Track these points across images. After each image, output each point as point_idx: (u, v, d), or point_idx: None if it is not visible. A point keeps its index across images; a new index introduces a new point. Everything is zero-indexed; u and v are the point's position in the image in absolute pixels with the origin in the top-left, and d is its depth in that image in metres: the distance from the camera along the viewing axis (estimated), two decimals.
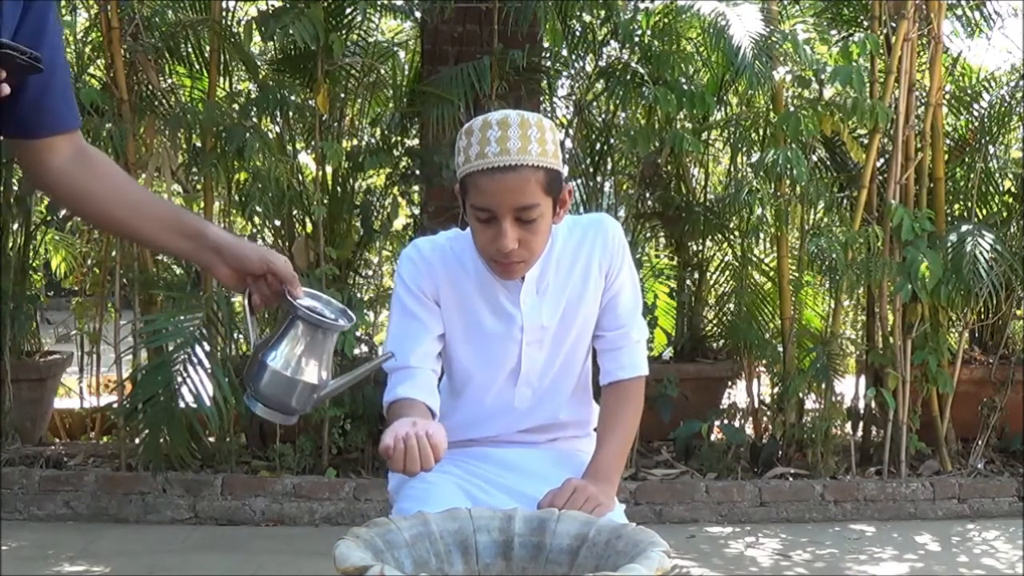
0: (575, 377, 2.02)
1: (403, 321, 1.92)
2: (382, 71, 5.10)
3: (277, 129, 5.04)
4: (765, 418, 5.09)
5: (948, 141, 5.20)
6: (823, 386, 4.67)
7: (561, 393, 2.01)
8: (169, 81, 5.16)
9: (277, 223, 5.06)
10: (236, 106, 4.76)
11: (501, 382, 1.97)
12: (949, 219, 5.02)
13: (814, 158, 5.06)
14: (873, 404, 4.84)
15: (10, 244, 5.12)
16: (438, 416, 1.89)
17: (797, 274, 5.04)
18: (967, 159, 5.21)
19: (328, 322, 1.62)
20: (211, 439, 4.59)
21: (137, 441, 4.44)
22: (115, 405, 4.70)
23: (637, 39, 4.85)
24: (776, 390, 4.94)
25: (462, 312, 1.92)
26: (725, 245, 5.67)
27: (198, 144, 4.68)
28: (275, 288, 1.64)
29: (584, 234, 1.94)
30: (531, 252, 1.81)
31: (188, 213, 1.75)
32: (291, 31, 4.26)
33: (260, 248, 1.65)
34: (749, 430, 5.03)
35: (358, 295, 4.76)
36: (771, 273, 5.42)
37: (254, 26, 4.57)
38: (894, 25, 4.67)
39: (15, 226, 5.19)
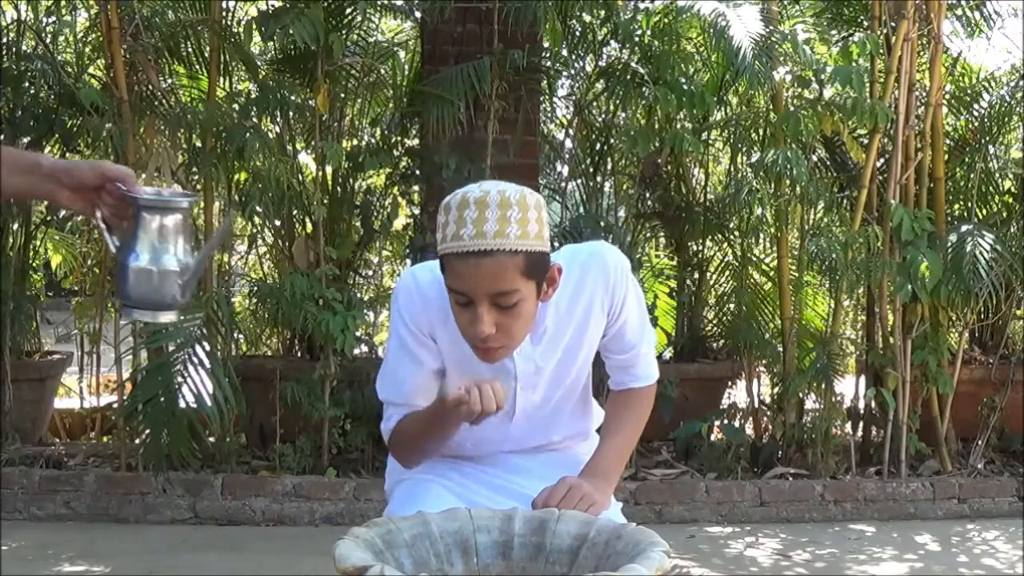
0: (574, 401, 1.98)
1: (400, 357, 1.85)
2: (382, 71, 5.10)
3: (277, 129, 5.04)
4: (765, 418, 5.09)
5: (948, 141, 5.20)
6: (823, 386, 4.67)
7: (560, 418, 1.97)
8: (169, 81, 5.16)
9: (277, 223, 5.06)
10: (236, 106, 4.76)
11: (495, 418, 1.87)
12: (949, 219, 5.02)
13: (814, 158, 5.06)
14: (873, 404, 4.83)
15: (10, 244, 5.12)
16: None
17: (797, 274, 5.03)
18: (967, 159, 5.20)
19: (169, 201, 1.59)
20: (211, 439, 4.59)
21: (137, 441, 4.44)
22: (115, 405, 4.70)
23: (637, 39, 4.85)
24: (776, 390, 4.94)
25: (456, 348, 1.82)
26: (725, 245, 5.67)
27: (198, 144, 4.68)
28: (116, 194, 1.59)
29: (584, 273, 1.83)
30: (511, 337, 1.71)
31: (20, 151, 1.73)
32: (291, 31, 4.26)
33: (92, 161, 1.63)
34: (749, 430, 5.02)
35: (358, 295, 4.76)
36: (771, 273, 5.42)
37: (254, 26, 4.56)
38: (894, 25, 4.67)
39: (15, 226, 5.19)
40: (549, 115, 5.66)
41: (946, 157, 5.04)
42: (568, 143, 5.60)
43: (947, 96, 5.17)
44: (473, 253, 1.62)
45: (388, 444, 1.90)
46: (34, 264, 5.55)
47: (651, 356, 1.99)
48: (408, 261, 5.30)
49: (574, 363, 1.89)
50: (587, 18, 5.12)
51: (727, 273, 5.71)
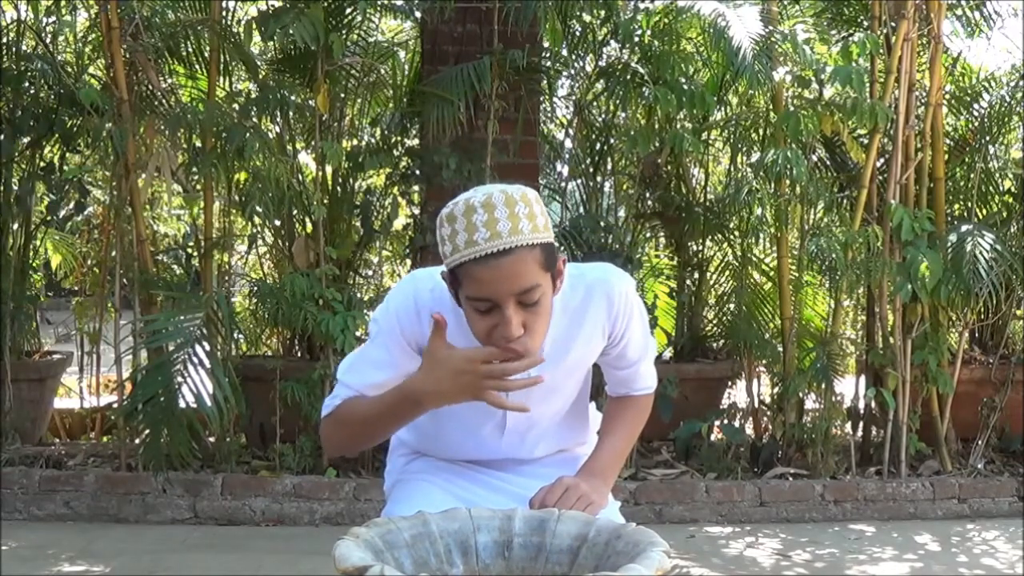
0: (569, 416, 1.97)
1: (377, 351, 1.82)
2: (382, 71, 5.10)
3: (277, 129, 5.04)
4: (765, 418, 5.09)
5: (948, 141, 5.20)
6: (823, 386, 4.67)
7: (553, 433, 1.97)
8: (169, 81, 5.16)
9: (277, 223, 5.06)
10: (236, 106, 4.76)
11: (487, 431, 1.91)
12: (949, 219, 5.02)
13: (814, 158, 5.06)
14: (873, 404, 4.84)
15: (10, 244, 5.12)
16: (414, 431, 1.88)
17: (797, 274, 5.04)
18: (967, 159, 5.21)
19: None
20: (211, 439, 4.59)
21: (137, 441, 4.44)
22: (115, 405, 4.70)
23: (637, 39, 4.85)
24: (776, 390, 4.94)
25: None
26: (725, 245, 5.67)
27: (198, 144, 4.68)
28: None
29: (588, 296, 1.81)
30: (535, 336, 1.67)
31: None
32: (291, 31, 4.26)
33: None
34: (749, 430, 5.02)
35: (358, 295, 4.76)
36: (771, 273, 5.42)
37: (254, 26, 4.57)
38: (894, 25, 4.67)
39: (15, 226, 5.18)
40: (549, 115, 5.66)
41: (946, 157, 5.04)
42: (568, 143, 5.60)
43: (947, 96, 5.17)
44: (493, 255, 1.59)
45: (324, 418, 1.86)
46: (34, 264, 5.55)
47: (650, 369, 1.99)
48: (408, 261, 5.31)
49: (568, 381, 1.89)
50: (587, 18, 5.13)
51: (727, 273, 5.71)
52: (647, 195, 5.57)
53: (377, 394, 1.79)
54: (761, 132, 5.31)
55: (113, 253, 4.81)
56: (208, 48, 4.75)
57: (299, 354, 5.09)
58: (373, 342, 1.84)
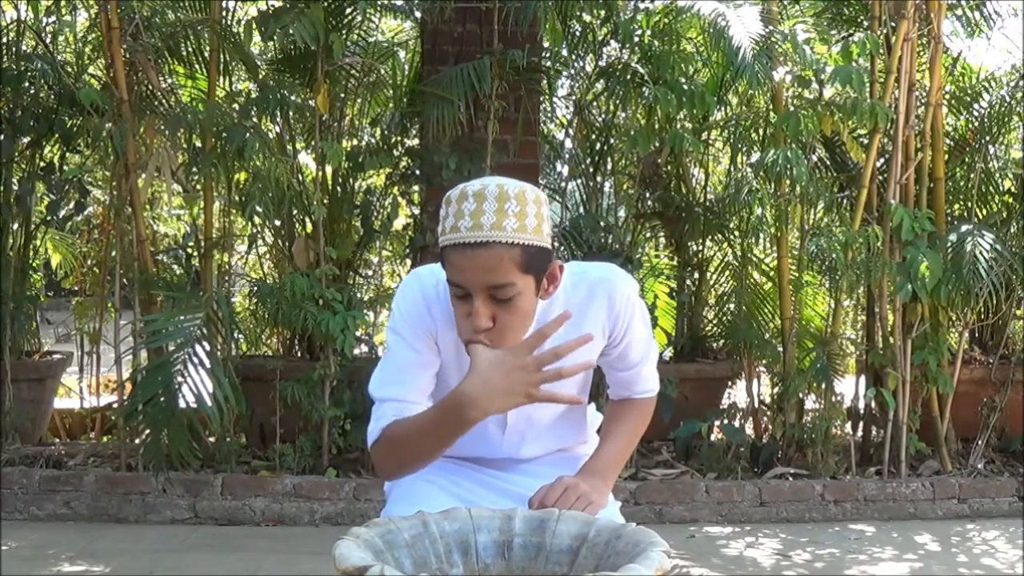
0: (570, 414, 1.97)
1: (399, 349, 1.82)
2: (382, 71, 5.10)
3: (277, 129, 5.04)
4: (765, 418, 5.09)
5: (948, 141, 5.20)
6: (823, 386, 4.67)
7: (555, 431, 1.97)
8: (169, 81, 5.16)
9: (277, 223, 5.07)
10: (236, 106, 4.76)
11: (490, 429, 1.90)
12: (949, 219, 5.03)
13: (814, 158, 5.06)
14: (873, 404, 4.84)
15: (10, 244, 5.12)
16: None
17: (797, 274, 5.04)
18: (967, 159, 5.21)
19: None
20: (211, 439, 4.59)
21: (137, 441, 4.44)
22: (115, 405, 4.70)
23: (637, 39, 4.85)
24: (776, 390, 4.94)
25: (457, 357, 1.80)
26: (725, 245, 5.67)
27: (198, 144, 4.68)
28: None
29: (590, 295, 1.82)
30: (507, 332, 1.67)
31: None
32: (291, 31, 4.26)
33: None
34: (749, 430, 5.02)
35: (358, 295, 4.76)
36: (771, 273, 5.42)
37: (254, 26, 4.57)
38: (894, 25, 4.67)
39: (15, 226, 5.18)
40: (549, 115, 5.66)
41: (946, 157, 5.04)
42: (568, 143, 5.60)
43: (947, 96, 5.17)
44: (469, 244, 1.62)
45: (373, 447, 1.80)
46: (34, 264, 5.55)
47: (652, 372, 1.99)
48: (408, 261, 5.31)
49: (569, 380, 1.84)
50: (587, 18, 5.13)
51: (727, 273, 5.72)
52: (647, 195, 5.57)
53: (420, 396, 1.79)
54: (761, 132, 5.31)
55: (113, 253, 4.81)
56: (208, 48, 4.75)
57: (299, 354, 5.09)
58: (394, 349, 1.82)
